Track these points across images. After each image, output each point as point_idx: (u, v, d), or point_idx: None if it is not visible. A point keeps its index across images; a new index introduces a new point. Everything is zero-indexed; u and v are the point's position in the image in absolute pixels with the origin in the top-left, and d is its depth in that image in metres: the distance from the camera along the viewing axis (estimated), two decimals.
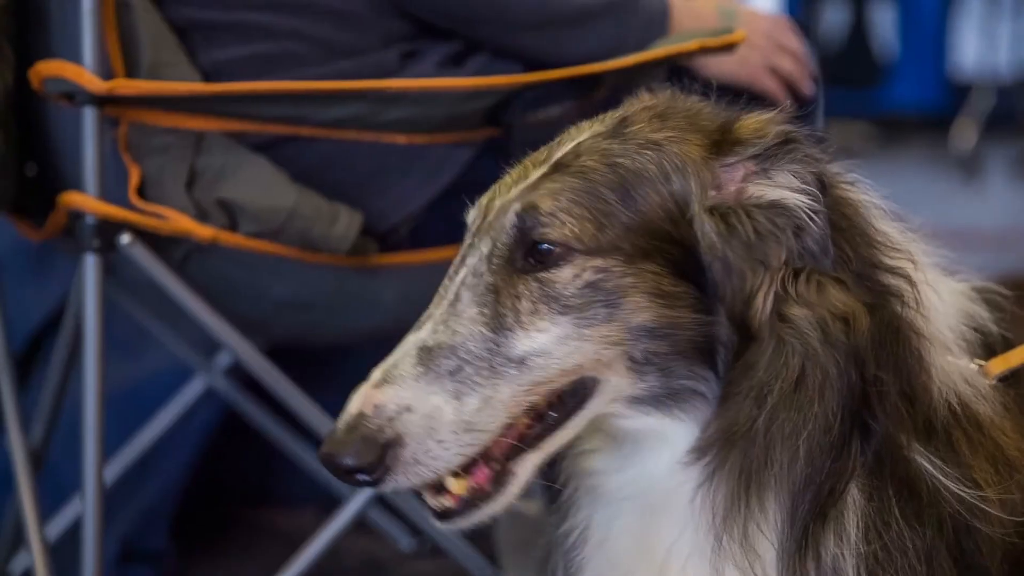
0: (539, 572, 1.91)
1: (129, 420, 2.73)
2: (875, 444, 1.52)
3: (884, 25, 10.72)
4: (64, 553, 2.42)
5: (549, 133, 2.24)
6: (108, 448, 2.44)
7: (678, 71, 2.30)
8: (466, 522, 1.55)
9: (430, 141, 2.23)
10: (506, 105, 2.19)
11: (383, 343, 2.72)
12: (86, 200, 2.15)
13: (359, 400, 1.49)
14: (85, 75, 2.11)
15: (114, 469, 2.67)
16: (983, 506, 1.55)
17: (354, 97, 2.16)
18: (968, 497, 1.54)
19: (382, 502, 2.45)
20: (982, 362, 1.65)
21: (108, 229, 2.17)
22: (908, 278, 1.57)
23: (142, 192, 2.17)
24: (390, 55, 2.24)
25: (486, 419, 1.49)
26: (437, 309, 1.54)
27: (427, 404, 1.48)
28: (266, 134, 2.21)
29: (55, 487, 2.55)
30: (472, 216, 1.62)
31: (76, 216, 2.18)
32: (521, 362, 1.51)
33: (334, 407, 2.43)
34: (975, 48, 10.75)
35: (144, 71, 2.15)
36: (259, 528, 3.20)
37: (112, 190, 2.16)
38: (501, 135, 2.23)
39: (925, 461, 1.54)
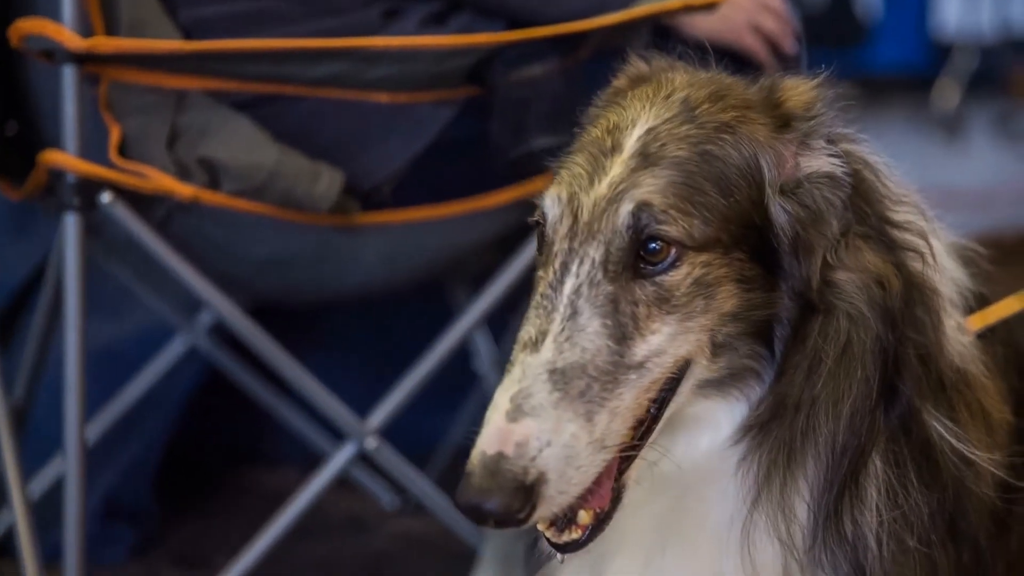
0: (525, 532, 1.90)
1: (112, 379, 2.73)
2: (899, 408, 1.53)
3: None
4: (46, 511, 2.42)
5: (532, 91, 2.25)
6: (91, 406, 2.44)
7: (662, 31, 2.30)
8: (587, 547, 1.50)
9: (412, 100, 2.22)
10: (488, 64, 2.19)
11: (366, 302, 2.73)
12: (66, 159, 2.14)
13: (495, 437, 1.40)
14: (65, 33, 2.09)
15: (97, 427, 2.67)
16: (985, 467, 1.57)
17: (336, 55, 2.15)
18: (972, 457, 1.55)
19: (365, 460, 2.46)
20: (962, 319, 1.66)
21: (89, 188, 2.16)
22: (920, 232, 1.57)
23: (123, 151, 2.16)
24: (372, 13, 2.23)
25: (614, 431, 1.45)
26: (551, 324, 1.46)
27: (565, 434, 1.40)
28: (248, 93, 2.20)
29: (38, 445, 2.55)
30: (554, 214, 1.52)
31: (56, 175, 2.17)
32: (640, 366, 1.47)
33: (316, 366, 2.45)
34: (958, 8, 10.73)
35: (124, 29, 2.14)
36: (242, 487, 3.21)
37: (92, 149, 2.15)
38: (483, 94, 2.23)
39: (937, 424, 1.55)
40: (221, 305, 2.28)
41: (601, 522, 1.49)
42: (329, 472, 2.38)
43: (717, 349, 1.52)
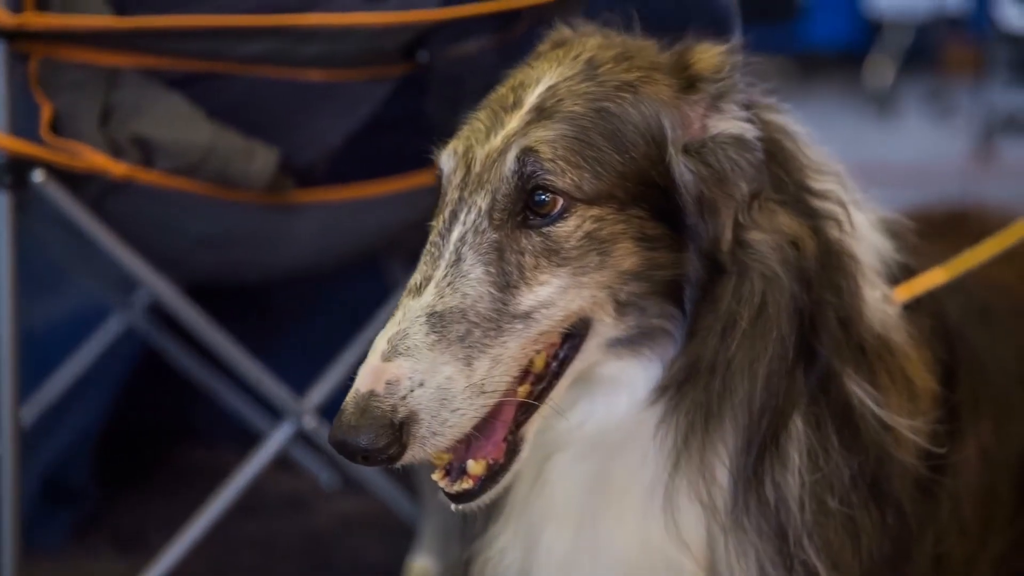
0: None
1: (48, 358, 2.71)
2: (818, 371, 1.55)
3: None
4: None
5: (467, 68, 2.24)
6: (26, 387, 2.42)
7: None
8: (486, 498, 1.51)
9: (346, 78, 2.22)
10: (423, 41, 2.18)
11: (303, 280, 2.73)
12: None
13: (369, 376, 1.42)
14: None
15: (33, 409, 2.65)
16: (905, 432, 1.59)
17: (269, 33, 2.14)
18: (889, 422, 1.58)
19: (303, 439, 2.46)
20: (888, 290, 1.68)
21: (20, 166, 2.14)
22: (839, 201, 1.60)
23: (55, 128, 2.14)
24: None
25: (496, 378, 1.46)
26: (435, 271, 1.48)
27: (440, 376, 1.42)
28: (181, 70, 2.18)
29: None
30: (449, 166, 1.55)
31: None
32: (527, 316, 1.48)
33: (255, 344, 2.44)
34: None
35: (55, 5, 2.12)
36: (180, 466, 3.20)
37: (24, 126, 2.13)
38: (419, 70, 2.22)
39: (857, 388, 1.57)
40: (156, 284, 2.27)
41: (495, 474, 1.51)
42: (267, 451, 2.38)
43: (622, 308, 1.53)
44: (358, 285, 2.89)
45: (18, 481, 2.19)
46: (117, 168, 2.14)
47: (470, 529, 1.72)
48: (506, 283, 1.48)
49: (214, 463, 3.04)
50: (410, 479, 2.66)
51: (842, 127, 7.72)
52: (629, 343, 1.56)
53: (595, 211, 1.50)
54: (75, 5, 2.12)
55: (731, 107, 1.56)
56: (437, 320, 1.45)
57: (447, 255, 1.49)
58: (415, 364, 1.42)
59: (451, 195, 1.52)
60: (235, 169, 2.17)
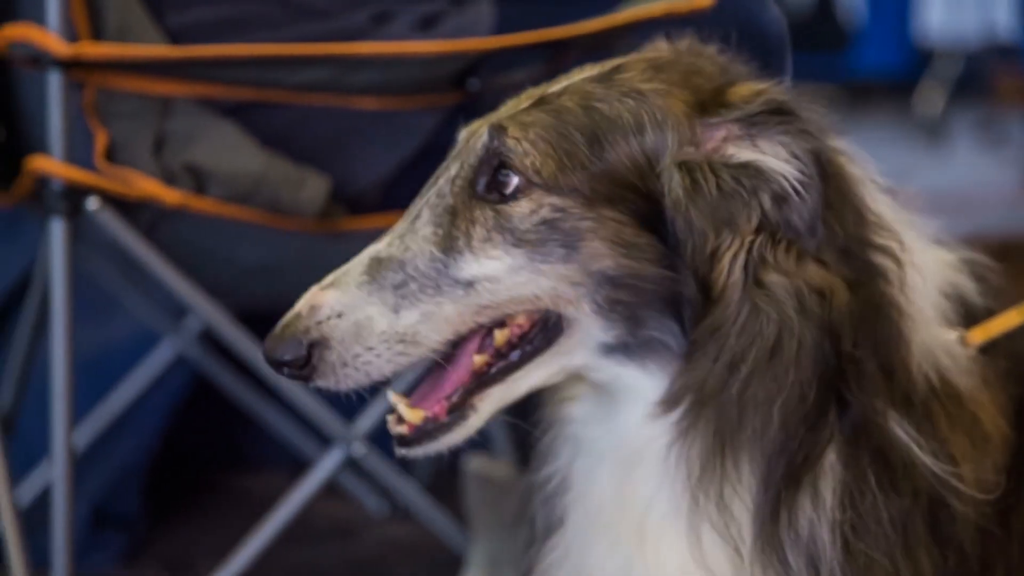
0: (509, 533, 1.92)
1: (99, 385, 2.73)
2: (852, 416, 1.53)
3: None
4: (35, 518, 2.42)
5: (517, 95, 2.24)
6: (78, 413, 2.44)
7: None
8: (424, 450, 1.58)
9: (399, 106, 2.23)
10: (475, 69, 2.19)
11: None
12: (52, 164, 2.15)
13: (304, 300, 1.54)
14: (50, 39, 2.10)
15: (84, 434, 2.67)
16: (954, 483, 1.56)
17: (323, 61, 2.15)
18: (940, 472, 1.55)
19: (353, 466, 2.46)
20: (963, 332, 1.66)
21: (75, 194, 2.16)
22: (895, 257, 1.57)
23: (109, 156, 2.17)
24: (360, 17, 2.23)
25: (424, 332, 1.52)
26: (401, 224, 1.58)
27: (360, 312, 1.51)
28: (234, 99, 2.20)
29: (25, 452, 2.55)
30: (459, 139, 1.64)
31: (43, 181, 2.17)
32: (469, 285, 1.53)
33: None
34: (941, 13, 10.79)
35: (110, 34, 2.14)
36: (229, 492, 3.21)
37: (79, 154, 2.15)
38: (469, 99, 2.23)
39: (901, 431, 1.55)
40: (208, 311, 2.28)
41: (435, 431, 1.57)
42: (316, 478, 2.38)
43: (605, 312, 1.54)
44: None
45: (70, 506, 2.20)
46: (170, 196, 2.16)
47: (525, 560, 1.73)
48: (450, 247, 1.54)
49: (263, 489, 3.05)
50: (458, 506, 2.66)
51: (892, 156, 7.67)
52: (627, 351, 1.57)
53: (554, 199, 1.53)
54: (130, 34, 2.15)
55: (771, 144, 1.54)
56: (376, 264, 1.54)
57: (413, 212, 1.58)
58: (340, 296, 1.52)
59: (444, 163, 1.61)
60: (286, 197, 2.19)
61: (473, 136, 1.60)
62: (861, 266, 1.56)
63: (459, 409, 1.57)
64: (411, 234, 1.56)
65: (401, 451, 1.59)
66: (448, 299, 1.53)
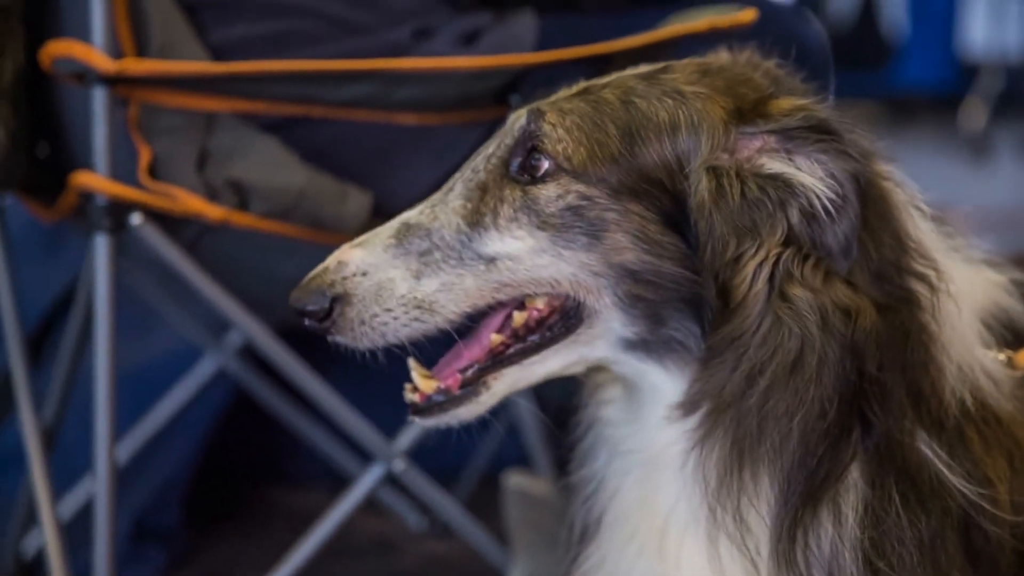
0: (549, 550, 1.91)
1: (141, 399, 2.74)
2: (876, 436, 1.53)
3: (893, 5, 10.67)
4: (77, 532, 2.43)
5: None
6: (120, 427, 2.45)
7: None
8: (435, 421, 1.62)
9: (441, 121, 2.23)
10: (517, 84, 2.19)
11: None
12: (97, 180, 2.16)
13: (334, 255, 1.59)
14: (95, 55, 2.11)
15: (126, 448, 2.68)
16: (986, 505, 1.55)
17: (365, 76, 2.16)
18: (971, 494, 1.54)
19: (393, 482, 2.46)
20: (1009, 354, 1.64)
21: (119, 209, 2.17)
22: (930, 284, 1.57)
23: (153, 172, 2.18)
24: (402, 33, 2.24)
25: (443, 301, 1.57)
26: (437, 195, 1.62)
27: (383, 273, 1.56)
28: (276, 114, 2.21)
29: (67, 466, 2.56)
30: (509, 121, 1.67)
31: (87, 196, 2.18)
32: (491, 261, 1.57)
33: (344, 386, 2.45)
34: (984, 28, 10.71)
35: (154, 51, 2.15)
36: (270, 507, 3.21)
37: (123, 170, 2.16)
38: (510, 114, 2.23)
39: (930, 452, 1.54)
40: (249, 326, 2.29)
41: (446, 403, 1.61)
42: (357, 494, 2.38)
43: (626, 307, 1.55)
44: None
45: (112, 520, 2.21)
46: (213, 212, 2.17)
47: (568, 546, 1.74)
48: (476, 221, 1.58)
49: (303, 505, 3.05)
50: (498, 522, 2.65)
51: (936, 172, 7.62)
52: (647, 349, 1.58)
53: (581, 187, 1.55)
54: (174, 51, 2.16)
55: (808, 161, 1.53)
56: (404, 230, 1.59)
57: (450, 184, 1.62)
58: (365, 256, 1.58)
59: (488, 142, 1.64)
60: (328, 212, 2.19)
61: (517, 118, 1.63)
62: (894, 291, 1.55)
63: (472, 385, 1.61)
64: (442, 205, 1.60)
65: (414, 419, 1.62)
66: (469, 272, 1.57)
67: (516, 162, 1.59)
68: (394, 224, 1.60)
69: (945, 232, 1.66)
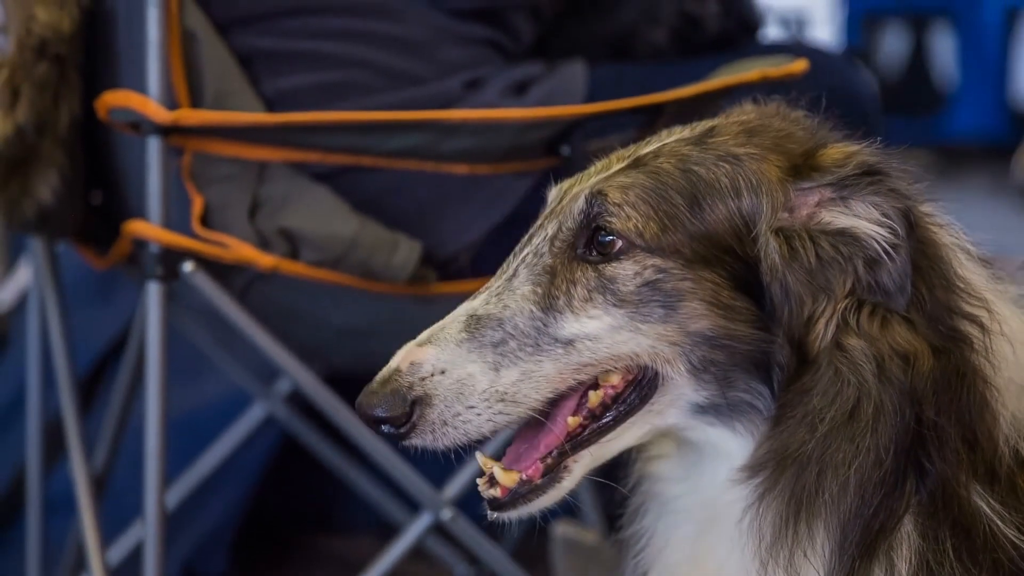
0: None
1: (190, 445, 2.75)
2: (931, 484, 1.51)
3: (944, 53, 10.64)
4: None
5: None
6: (169, 473, 2.46)
7: None
8: (517, 513, 1.58)
9: (491, 171, 2.24)
10: (566, 135, 2.20)
11: None
12: (150, 228, 2.18)
13: (400, 356, 1.54)
14: (151, 105, 2.13)
15: (175, 494, 2.68)
16: None
17: (416, 127, 2.17)
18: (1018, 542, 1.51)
19: (440, 531, 2.46)
20: None
21: (171, 257, 2.19)
22: (982, 326, 1.55)
23: (205, 221, 2.19)
24: (453, 83, 2.25)
25: (524, 392, 1.53)
26: (496, 282, 1.58)
27: (462, 370, 1.52)
28: (328, 164, 2.23)
29: (117, 511, 2.57)
30: (551, 197, 1.65)
31: (140, 244, 2.20)
32: (569, 343, 1.54)
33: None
34: None
35: (208, 101, 2.18)
36: (317, 554, 3.21)
37: (176, 219, 2.18)
38: (561, 165, 2.23)
39: (984, 504, 1.52)
40: (298, 373, 2.29)
41: (529, 493, 1.56)
42: (405, 542, 2.38)
43: (699, 372, 1.54)
44: None
45: (161, 565, 2.21)
46: (265, 260, 2.18)
47: None
48: (550, 305, 1.55)
49: (351, 552, 3.05)
50: (545, 570, 2.63)
51: (988, 220, 7.56)
52: (717, 412, 1.57)
53: (656, 260, 1.53)
54: (228, 101, 2.18)
55: (864, 207, 1.53)
56: (474, 322, 1.54)
57: (509, 271, 1.58)
58: (440, 353, 1.52)
59: (537, 222, 1.62)
60: (378, 261, 2.20)
61: (567, 197, 1.61)
62: (946, 333, 1.54)
63: (553, 471, 1.57)
64: (508, 292, 1.56)
65: (493, 515, 1.58)
66: (547, 357, 1.53)
67: (582, 243, 1.57)
68: (460, 317, 1.56)
69: (994, 276, 1.64)
